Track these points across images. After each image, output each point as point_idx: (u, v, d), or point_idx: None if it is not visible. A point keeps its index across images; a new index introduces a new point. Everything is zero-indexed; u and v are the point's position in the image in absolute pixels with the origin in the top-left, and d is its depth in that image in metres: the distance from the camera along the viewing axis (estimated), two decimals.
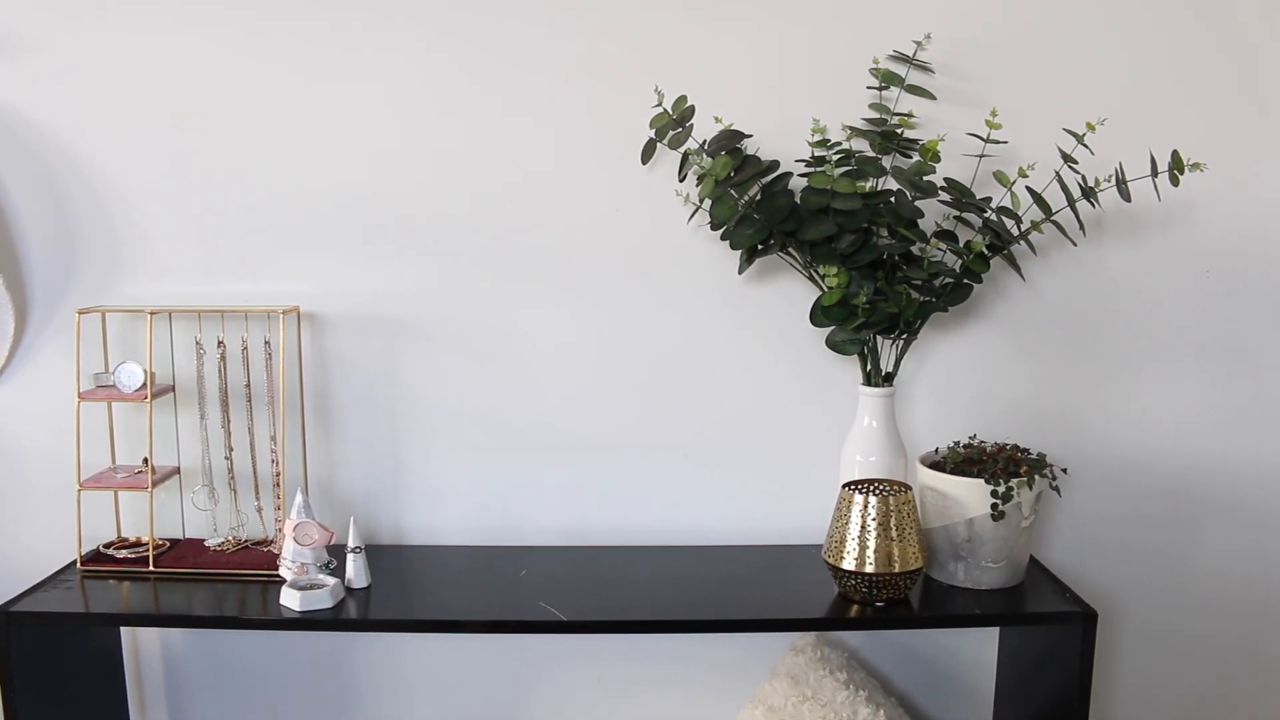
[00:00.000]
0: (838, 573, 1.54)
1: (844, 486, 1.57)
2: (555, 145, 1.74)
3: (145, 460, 1.68)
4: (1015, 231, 1.62)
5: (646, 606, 1.56)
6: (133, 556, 1.70)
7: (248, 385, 1.75)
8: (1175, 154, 1.55)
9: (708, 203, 1.64)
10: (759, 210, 1.61)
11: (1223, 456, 1.83)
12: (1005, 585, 1.60)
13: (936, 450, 1.70)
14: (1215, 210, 1.76)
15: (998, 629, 1.83)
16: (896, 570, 1.50)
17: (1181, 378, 1.81)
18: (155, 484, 1.67)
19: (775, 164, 1.64)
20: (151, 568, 1.66)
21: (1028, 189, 1.61)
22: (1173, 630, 1.89)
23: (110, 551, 1.72)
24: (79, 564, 1.68)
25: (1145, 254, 1.77)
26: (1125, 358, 1.80)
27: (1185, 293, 1.79)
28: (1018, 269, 1.68)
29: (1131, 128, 1.70)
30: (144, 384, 1.65)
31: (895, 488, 1.59)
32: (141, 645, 1.88)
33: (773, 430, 1.82)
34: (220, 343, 1.73)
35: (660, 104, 1.62)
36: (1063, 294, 1.78)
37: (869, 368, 1.67)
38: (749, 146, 1.66)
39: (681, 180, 1.69)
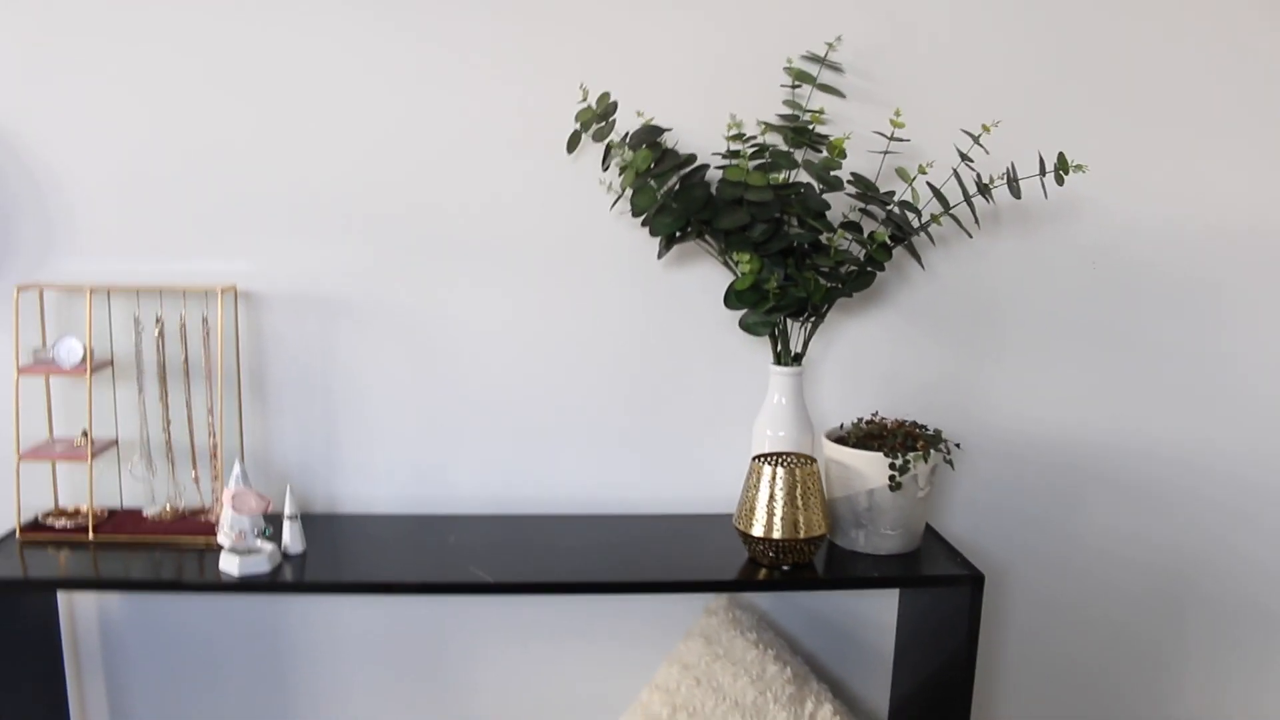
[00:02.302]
0: (747, 539, 1.64)
1: (754, 459, 1.68)
2: (486, 133, 1.80)
3: (84, 433, 1.72)
4: (916, 224, 1.73)
5: (569, 570, 1.63)
6: (72, 525, 1.74)
7: (185, 361, 1.80)
8: (1061, 155, 1.67)
9: (630, 191, 1.72)
10: (677, 200, 1.70)
11: (1105, 432, 1.98)
12: (902, 551, 1.71)
13: (841, 426, 1.82)
14: (1100, 207, 1.89)
15: (897, 593, 1.96)
16: (801, 536, 1.61)
17: (1068, 360, 1.95)
18: (94, 455, 1.71)
19: (693, 157, 1.73)
20: (91, 536, 1.71)
21: (928, 184, 1.72)
22: (1058, 594, 2.03)
23: (49, 521, 1.75)
24: (18, 533, 1.72)
25: (1036, 245, 1.90)
26: (1017, 340, 1.93)
27: (1073, 281, 1.92)
28: (918, 258, 1.80)
29: (1024, 129, 1.82)
30: (83, 359, 1.69)
31: (801, 460, 1.70)
32: (79, 614, 1.91)
33: (689, 406, 1.91)
34: (158, 320, 1.78)
35: (585, 99, 1.70)
36: (960, 281, 1.91)
37: (779, 348, 1.77)
38: (669, 140, 1.75)
39: (605, 170, 1.78)
